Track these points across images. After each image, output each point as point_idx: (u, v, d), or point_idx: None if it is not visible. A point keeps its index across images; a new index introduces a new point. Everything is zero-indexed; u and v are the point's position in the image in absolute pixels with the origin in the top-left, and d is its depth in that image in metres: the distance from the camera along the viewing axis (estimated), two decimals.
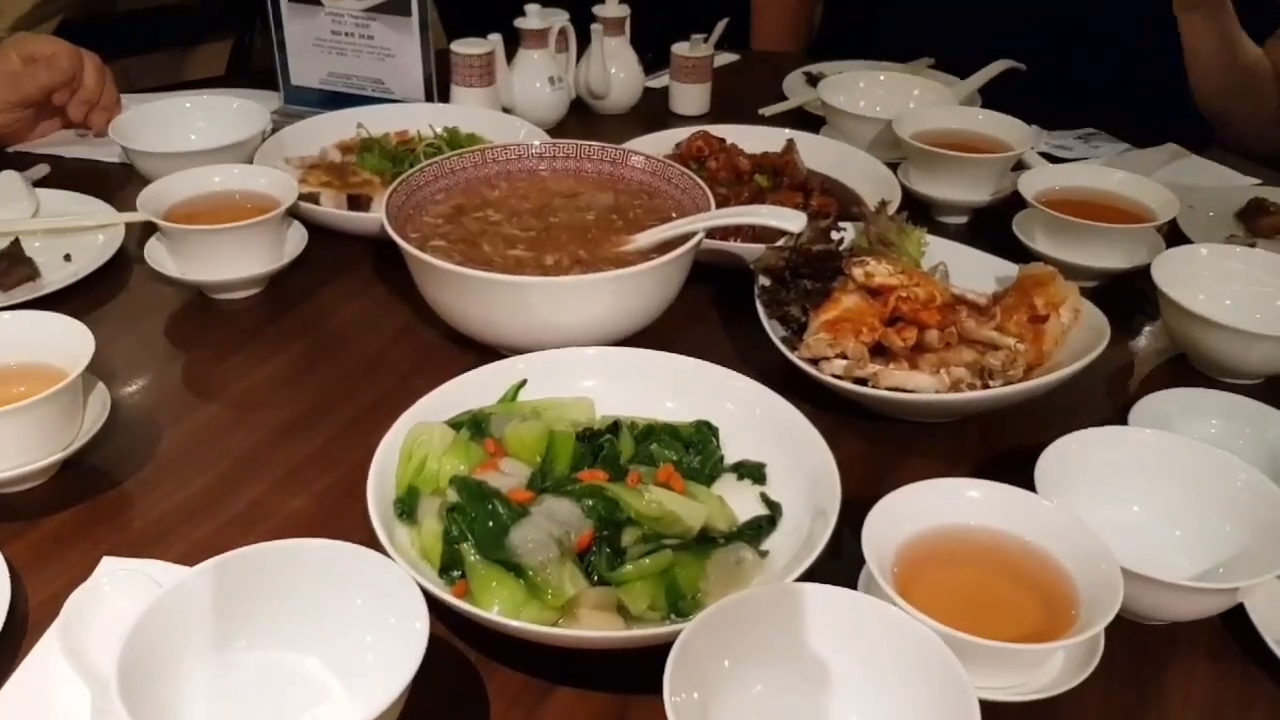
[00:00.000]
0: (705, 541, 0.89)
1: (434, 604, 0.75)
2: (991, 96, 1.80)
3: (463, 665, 0.84)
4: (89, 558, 0.89)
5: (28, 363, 1.02)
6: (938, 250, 1.23)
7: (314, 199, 1.40)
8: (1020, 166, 1.52)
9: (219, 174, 1.37)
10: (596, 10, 1.80)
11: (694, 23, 1.86)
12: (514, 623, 0.79)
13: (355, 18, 1.69)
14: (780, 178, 1.48)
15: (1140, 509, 0.95)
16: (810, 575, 0.79)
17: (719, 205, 1.21)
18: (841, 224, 1.23)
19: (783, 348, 1.10)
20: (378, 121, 1.60)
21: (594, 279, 1.10)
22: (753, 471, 0.98)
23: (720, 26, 1.86)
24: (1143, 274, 1.21)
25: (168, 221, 1.26)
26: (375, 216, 1.28)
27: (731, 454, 1.00)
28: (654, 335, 1.16)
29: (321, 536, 0.79)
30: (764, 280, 1.19)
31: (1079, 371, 1.04)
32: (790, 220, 1.14)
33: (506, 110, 1.73)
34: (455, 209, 1.26)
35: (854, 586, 0.81)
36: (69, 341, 1.01)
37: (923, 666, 0.71)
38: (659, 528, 0.88)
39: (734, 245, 1.28)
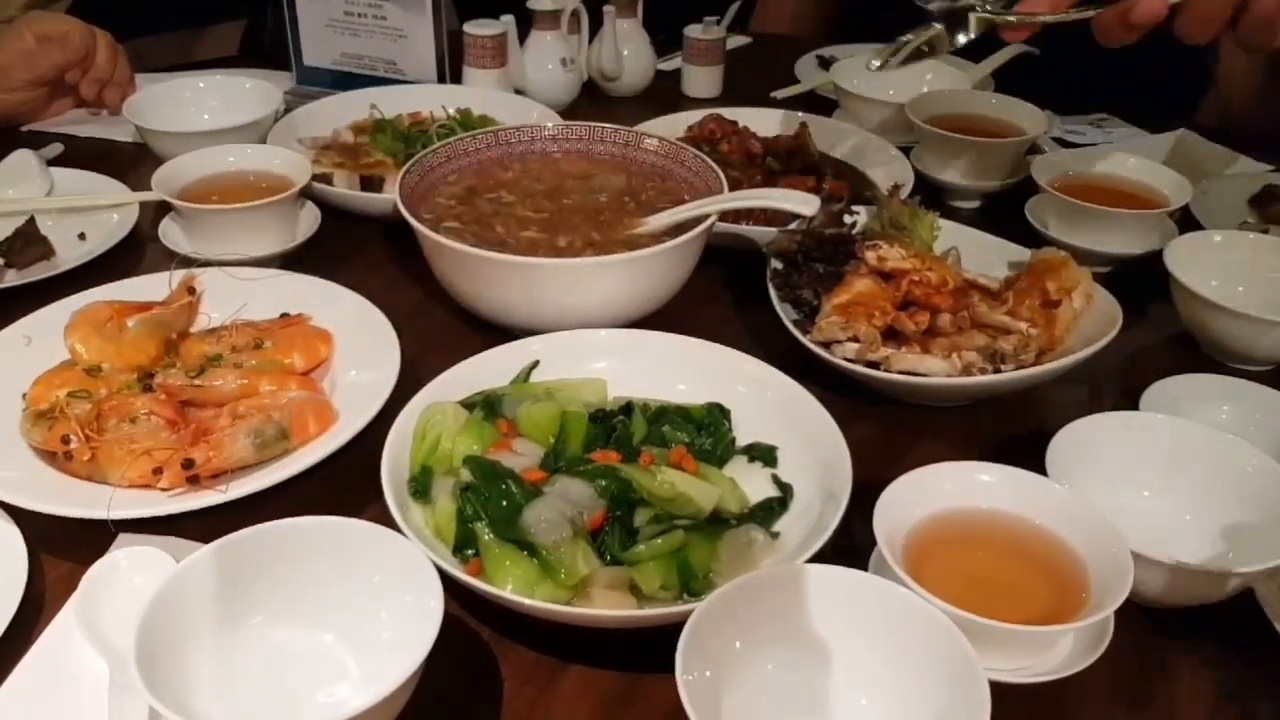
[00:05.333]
0: (717, 523, 0.89)
1: (448, 582, 0.76)
2: (1005, 81, 1.79)
3: (476, 643, 0.84)
4: (104, 534, 0.90)
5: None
6: (950, 234, 1.23)
7: (327, 180, 1.40)
8: (1034, 151, 1.51)
9: (233, 154, 1.38)
10: None
11: (706, 5, 1.86)
12: (528, 601, 0.79)
13: None
14: (792, 161, 1.47)
15: (1150, 493, 0.95)
16: (821, 557, 0.80)
17: (731, 188, 1.21)
18: (854, 208, 1.23)
19: (795, 331, 1.10)
20: (390, 102, 1.61)
21: (606, 261, 1.10)
22: (764, 454, 0.98)
23: (732, 9, 1.86)
24: (1155, 259, 1.21)
25: (182, 201, 1.27)
26: (388, 197, 1.29)
27: (743, 436, 1.00)
28: (666, 318, 1.16)
29: (336, 515, 0.80)
30: (776, 263, 1.19)
31: (1090, 356, 1.04)
32: (803, 204, 1.15)
33: (518, 92, 1.73)
34: (468, 190, 1.27)
35: (865, 568, 0.81)
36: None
37: (933, 648, 0.72)
38: (671, 508, 0.88)
39: (746, 228, 1.29)
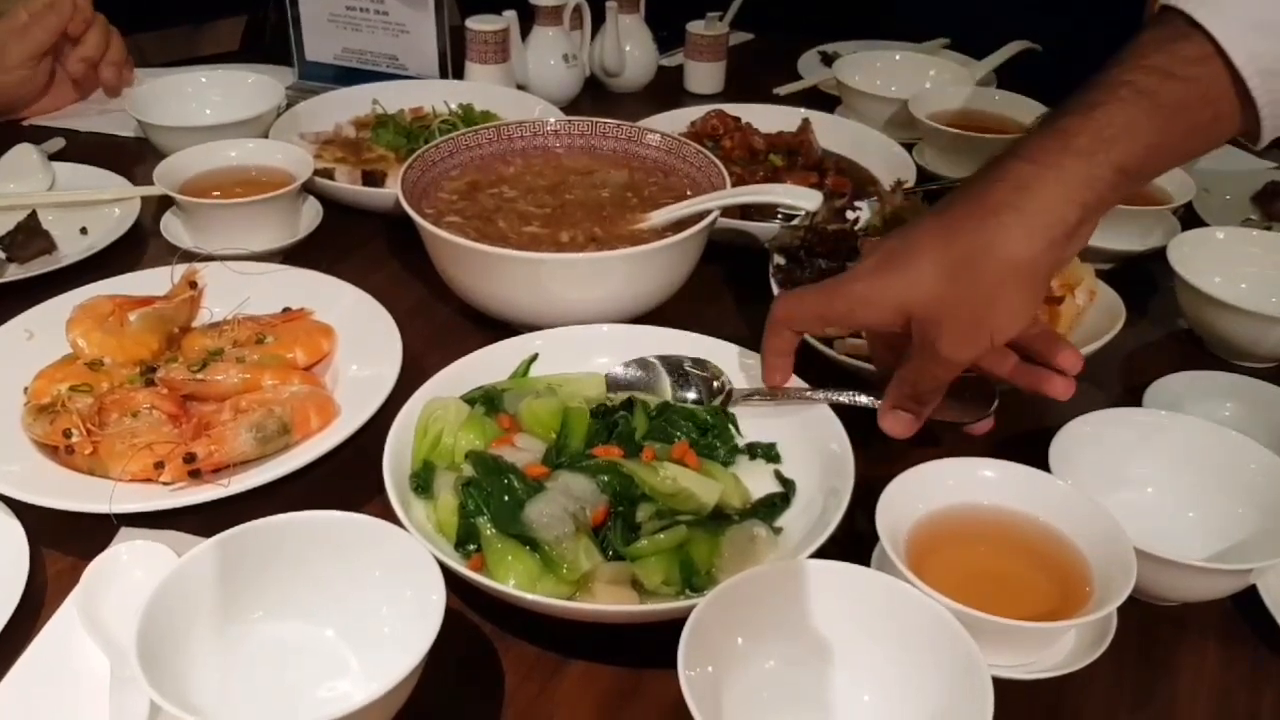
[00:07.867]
0: (719, 518, 0.89)
1: (449, 577, 0.76)
2: (1007, 77, 1.79)
3: (478, 638, 0.84)
4: (105, 528, 0.90)
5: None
6: None
7: (329, 175, 1.40)
8: None
9: (234, 148, 1.38)
10: None
11: (709, 1, 1.86)
12: (530, 596, 0.79)
13: None
14: (795, 157, 1.47)
15: (1153, 490, 0.95)
16: (823, 553, 0.79)
17: (734, 184, 1.21)
18: (856, 203, 1.22)
19: None
20: (392, 98, 1.60)
21: (608, 256, 1.10)
22: (767, 449, 0.98)
23: (735, 5, 1.86)
24: (1158, 256, 1.21)
25: (184, 195, 1.27)
26: (390, 192, 1.29)
27: (746, 432, 1.00)
28: (668, 313, 1.16)
29: (337, 510, 0.79)
30: (779, 259, 1.18)
31: (1094, 353, 1.04)
32: (805, 199, 1.14)
33: (520, 87, 1.73)
34: (470, 185, 1.26)
35: (867, 565, 0.81)
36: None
37: (935, 643, 0.72)
38: (673, 504, 0.88)
39: (749, 224, 1.28)
